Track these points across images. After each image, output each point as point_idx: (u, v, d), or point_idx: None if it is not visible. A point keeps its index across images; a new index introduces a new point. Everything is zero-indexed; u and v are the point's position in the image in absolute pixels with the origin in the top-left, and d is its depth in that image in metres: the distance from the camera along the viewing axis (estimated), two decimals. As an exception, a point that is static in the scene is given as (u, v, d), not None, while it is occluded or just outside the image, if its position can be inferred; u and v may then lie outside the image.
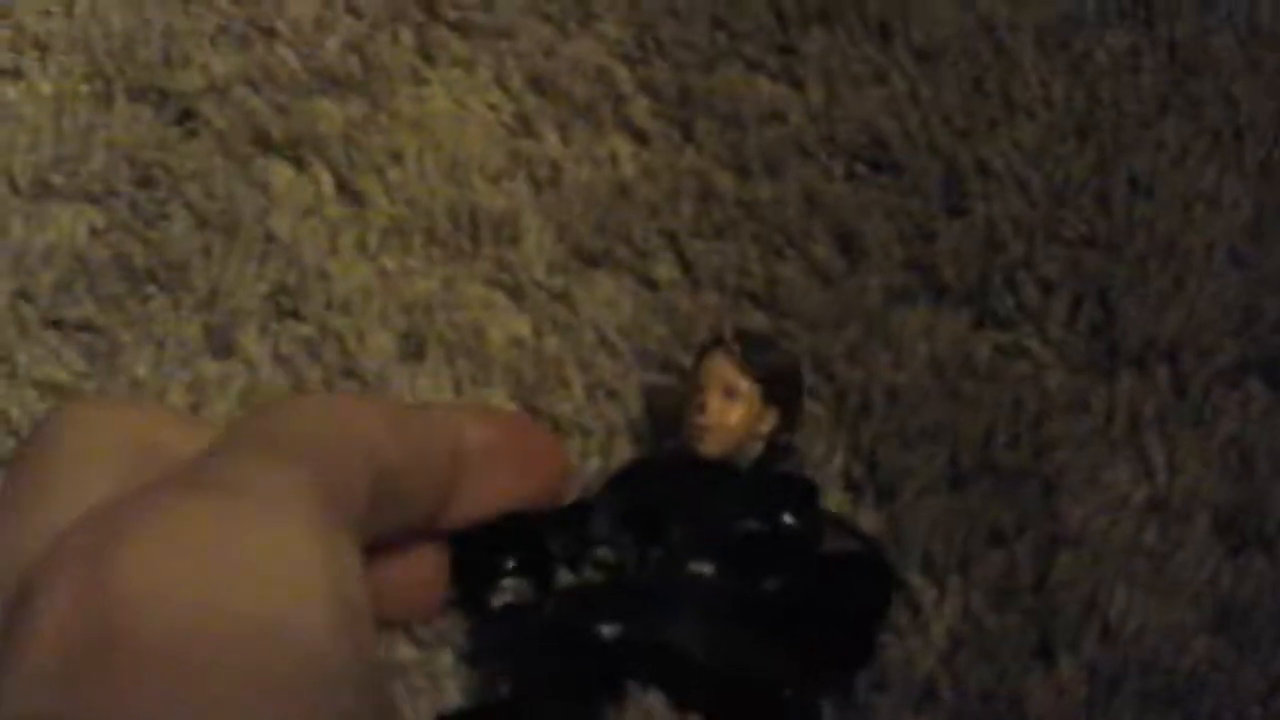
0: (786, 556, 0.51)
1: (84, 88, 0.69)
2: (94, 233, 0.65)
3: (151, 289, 0.64)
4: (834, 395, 0.60)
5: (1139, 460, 0.58)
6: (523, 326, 0.62)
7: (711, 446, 0.54)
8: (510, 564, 0.52)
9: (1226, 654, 0.54)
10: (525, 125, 0.67)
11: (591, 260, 0.63)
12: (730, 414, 0.54)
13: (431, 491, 0.47)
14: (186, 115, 0.68)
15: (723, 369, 0.54)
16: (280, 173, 0.66)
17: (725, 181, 0.65)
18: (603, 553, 0.52)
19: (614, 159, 0.66)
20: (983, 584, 0.56)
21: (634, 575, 0.51)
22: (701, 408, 0.54)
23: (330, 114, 0.67)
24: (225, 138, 0.67)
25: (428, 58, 0.69)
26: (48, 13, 0.71)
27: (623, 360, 0.61)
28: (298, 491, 0.38)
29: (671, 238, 0.64)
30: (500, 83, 0.68)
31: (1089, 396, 0.59)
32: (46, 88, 0.69)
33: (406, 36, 0.70)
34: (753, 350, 0.55)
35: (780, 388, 0.55)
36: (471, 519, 0.49)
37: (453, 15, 0.70)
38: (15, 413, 0.61)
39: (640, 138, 0.67)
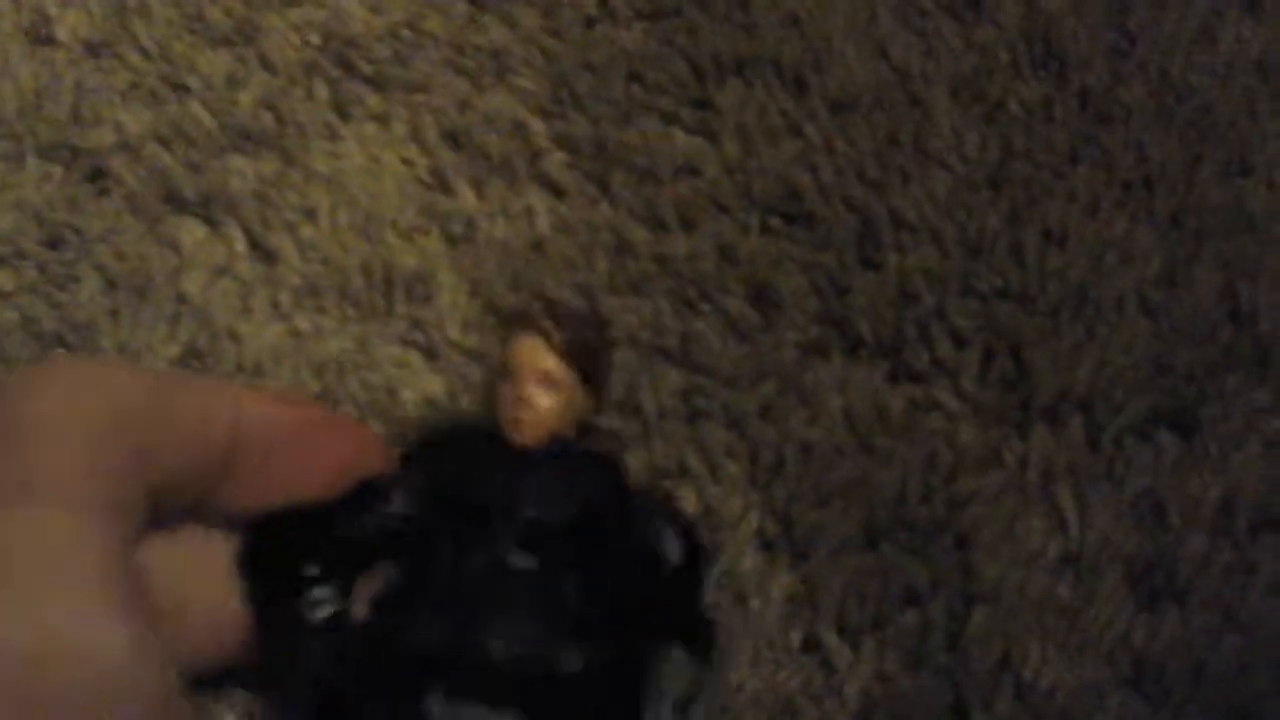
0: (605, 541, 0.49)
1: (-7, 146, 0.68)
2: (1, 295, 0.64)
3: (60, 352, 0.63)
4: (748, 453, 0.60)
5: (1052, 514, 0.58)
6: (436, 386, 0.62)
7: (528, 438, 0.51)
8: (314, 570, 0.47)
9: (1140, 710, 0.54)
10: (440, 180, 0.67)
11: (506, 318, 0.63)
12: (550, 405, 0.52)
13: (202, 462, 0.44)
14: (97, 174, 0.67)
15: (540, 356, 0.52)
16: (192, 231, 0.65)
17: (640, 236, 0.65)
18: (408, 537, 0.49)
19: (529, 214, 0.66)
20: (897, 643, 0.56)
21: (452, 571, 0.47)
22: (520, 400, 0.52)
23: (243, 171, 0.67)
24: (136, 197, 0.66)
25: (342, 113, 0.69)
26: (-44, 70, 0.70)
27: (537, 419, 0.60)
28: (57, 483, 0.36)
29: (586, 293, 0.63)
30: (415, 137, 0.68)
31: (1002, 450, 0.60)
32: (-45, 146, 0.68)
33: (321, 91, 0.69)
34: (568, 330, 0.53)
35: (598, 373, 0.53)
36: (254, 503, 0.46)
37: (367, 69, 0.69)
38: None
39: (556, 192, 0.66)
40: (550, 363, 0.52)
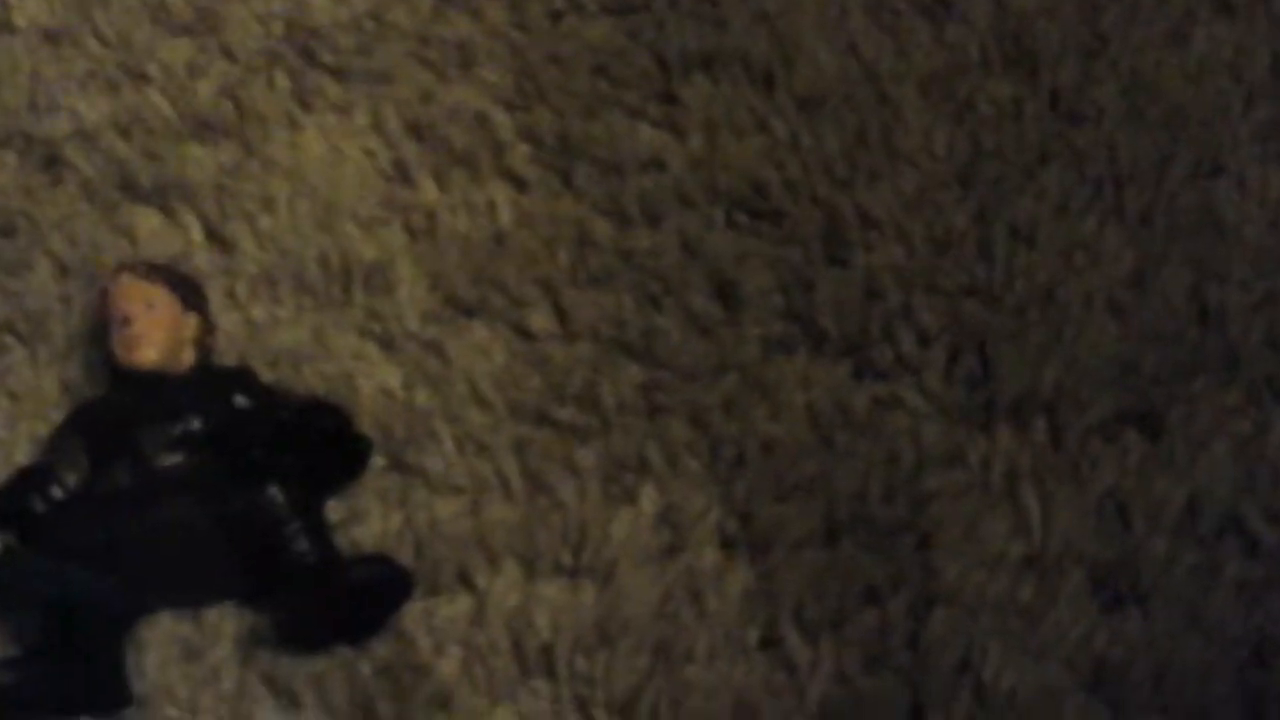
0: (252, 429, 0.56)
1: (-52, 133, 0.67)
2: (-48, 282, 0.63)
3: (9, 340, 0.62)
4: (709, 448, 0.59)
5: (1015, 514, 0.57)
6: (393, 378, 0.61)
7: (149, 352, 0.57)
8: None
9: (1101, 713, 0.53)
10: (402, 172, 0.66)
11: (465, 310, 0.62)
12: (155, 321, 0.58)
13: None
14: (52, 161, 0.66)
15: (134, 286, 0.58)
16: (147, 220, 0.64)
17: (603, 229, 0.64)
18: (67, 480, 0.56)
19: (491, 207, 0.65)
20: (856, 643, 0.55)
21: (105, 486, 0.56)
22: (126, 320, 0.57)
23: (201, 160, 0.66)
24: (91, 184, 0.65)
25: (303, 103, 0.68)
26: (-87, 55, 0.69)
27: (494, 413, 0.60)
28: None
29: (548, 287, 0.63)
30: (377, 128, 0.67)
31: (966, 449, 0.59)
32: (-91, 132, 0.67)
33: (282, 81, 0.68)
34: (153, 267, 0.60)
35: (191, 294, 0.59)
36: None
37: (330, 59, 0.68)
38: None
39: (519, 184, 0.65)
40: (145, 288, 0.58)
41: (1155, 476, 0.58)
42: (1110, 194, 0.64)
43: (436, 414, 0.60)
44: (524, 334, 0.62)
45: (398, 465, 0.59)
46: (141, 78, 0.68)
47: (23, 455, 0.59)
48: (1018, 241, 0.63)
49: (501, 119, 0.67)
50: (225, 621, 0.56)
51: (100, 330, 0.60)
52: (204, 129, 0.67)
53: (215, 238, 0.64)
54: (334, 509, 0.58)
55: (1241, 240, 0.63)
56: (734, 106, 0.67)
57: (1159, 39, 0.68)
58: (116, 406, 0.58)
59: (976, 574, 0.56)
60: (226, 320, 0.62)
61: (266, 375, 0.60)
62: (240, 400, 0.58)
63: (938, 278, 0.62)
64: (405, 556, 0.57)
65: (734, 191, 0.65)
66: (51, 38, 0.69)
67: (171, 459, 0.56)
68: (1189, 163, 0.65)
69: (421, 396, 0.60)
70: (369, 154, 0.67)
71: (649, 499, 0.58)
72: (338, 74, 0.68)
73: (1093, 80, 0.67)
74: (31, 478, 0.57)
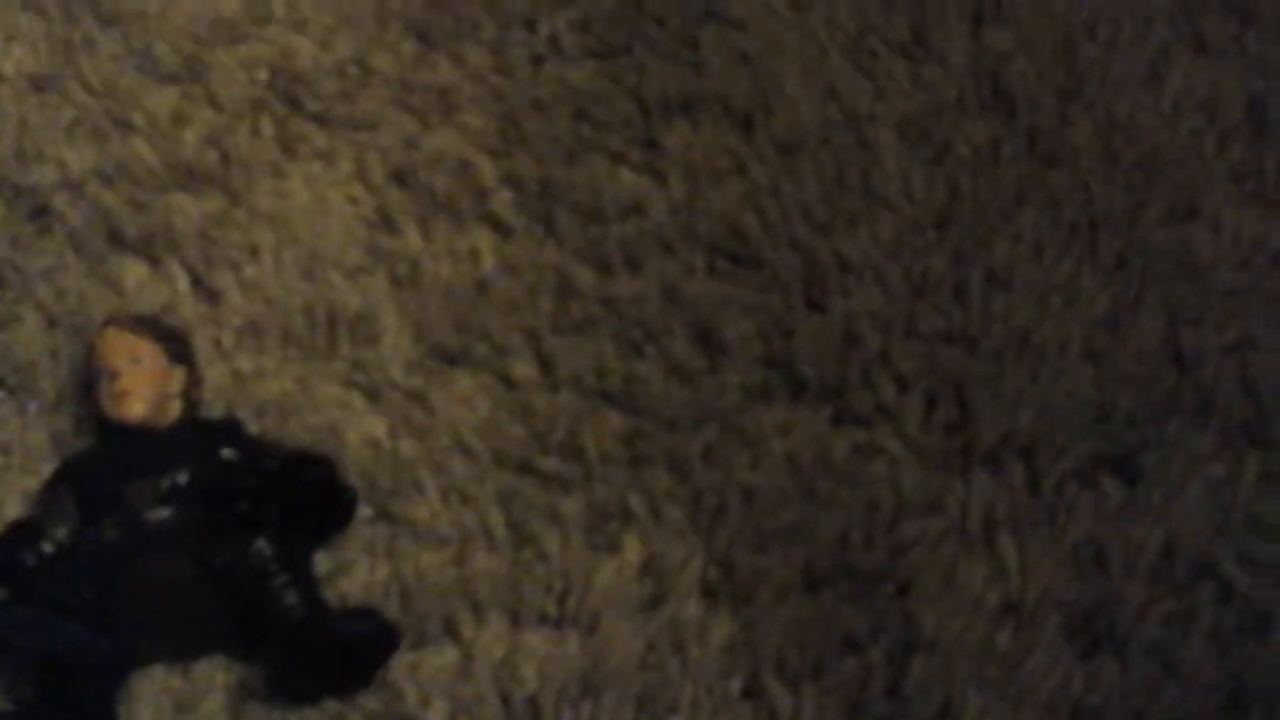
0: (239, 481, 0.57)
1: (-64, 182, 0.68)
2: (-60, 334, 0.64)
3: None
4: (691, 497, 0.59)
5: (992, 561, 0.58)
6: (378, 428, 0.61)
7: (136, 407, 0.58)
8: None
9: (1078, 760, 0.54)
10: (385, 220, 0.66)
11: (449, 358, 0.63)
12: (142, 375, 0.58)
13: None
14: (40, 211, 0.66)
15: (121, 340, 0.59)
16: (134, 270, 0.65)
17: (585, 277, 0.65)
18: (57, 534, 0.57)
19: (474, 254, 0.65)
20: (838, 691, 0.55)
21: (94, 540, 0.57)
22: (113, 374, 0.58)
23: (186, 209, 0.66)
24: (78, 235, 0.66)
25: (288, 150, 0.68)
26: (-100, 104, 0.70)
27: (478, 463, 0.60)
28: None
29: (530, 335, 0.63)
30: (361, 176, 0.68)
31: (944, 495, 0.59)
32: (-103, 182, 0.68)
33: (267, 128, 0.69)
34: (140, 321, 0.60)
35: (178, 346, 0.60)
36: None
37: (314, 107, 0.69)
38: None
39: (502, 231, 0.66)
40: (132, 343, 0.59)
41: (1132, 522, 0.58)
42: (1085, 237, 0.65)
43: (421, 464, 0.60)
44: (507, 383, 0.62)
45: (384, 515, 0.59)
46: (127, 127, 0.68)
47: (12, 509, 0.60)
48: (994, 285, 0.64)
49: (484, 165, 0.68)
50: (216, 674, 0.57)
51: (89, 383, 0.60)
52: (189, 178, 0.67)
53: (201, 288, 0.65)
54: (321, 560, 0.58)
55: (1216, 283, 0.64)
56: (714, 151, 0.67)
57: (1135, 79, 0.69)
58: (105, 460, 0.59)
59: (955, 621, 0.56)
60: (213, 371, 0.63)
61: (253, 426, 0.61)
62: (227, 453, 0.58)
63: (915, 322, 0.63)
64: (392, 608, 0.57)
65: (714, 237, 0.65)
66: (38, 86, 0.70)
67: (160, 513, 0.57)
68: (1164, 205, 0.66)
69: (406, 447, 0.61)
70: (353, 201, 0.67)
71: (632, 549, 0.59)
72: (322, 121, 0.69)
73: (1069, 122, 0.68)
74: (22, 532, 0.58)
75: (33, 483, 0.60)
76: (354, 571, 0.58)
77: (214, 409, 0.62)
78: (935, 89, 0.69)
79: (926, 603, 0.57)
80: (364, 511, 0.59)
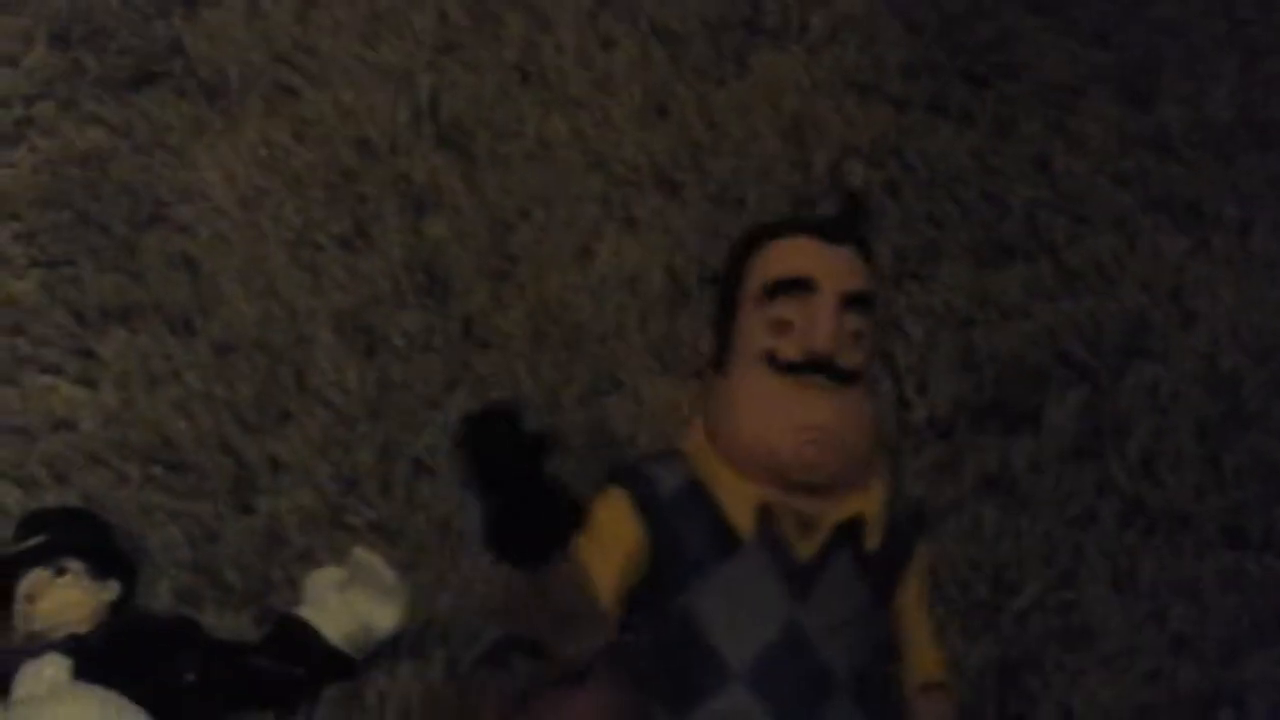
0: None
1: None
2: None
3: None
4: None
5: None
6: None
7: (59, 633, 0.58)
8: None
9: None
10: None
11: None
12: (68, 599, 0.59)
13: None
14: None
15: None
16: None
17: (12, 498, 0.64)
18: None
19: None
20: None
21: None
22: (30, 599, 0.58)
23: None
24: None
25: None
26: None
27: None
28: None
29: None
30: None
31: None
32: None
33: None
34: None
35: (108, 560, 0.60)
36: None
37: None
38: None
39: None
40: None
41: None
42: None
43: None
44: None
45: None
46: None
47: None
48: (420, 473, 0.66)
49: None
50: None
51: None
52: None
53: None
54: None
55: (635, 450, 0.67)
56: (150, 357, 0.68)
57: (566, 257, 0.72)
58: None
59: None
60: None
61: None
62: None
63: (343, 516, 0.65)
64: None
65: (145, 446, 0.66)
66: None
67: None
68: (586, 381, 0.69)
69: None
70: None
71: None
72: None
73: (501, 304, 0.71)
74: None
75: None
76: None
77: None
78: (373, 280, 0.71)
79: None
80: None
